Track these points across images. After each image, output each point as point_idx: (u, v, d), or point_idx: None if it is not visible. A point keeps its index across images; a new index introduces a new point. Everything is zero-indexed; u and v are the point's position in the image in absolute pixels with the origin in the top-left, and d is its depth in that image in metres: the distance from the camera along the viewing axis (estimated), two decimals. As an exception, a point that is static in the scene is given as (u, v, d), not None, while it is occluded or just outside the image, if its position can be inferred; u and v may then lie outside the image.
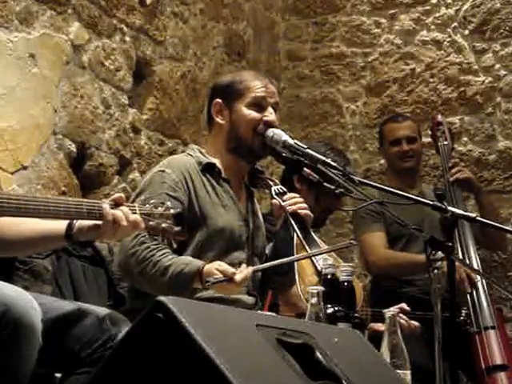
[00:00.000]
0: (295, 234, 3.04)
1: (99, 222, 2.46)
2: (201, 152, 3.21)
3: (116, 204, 2.49)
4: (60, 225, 2.50)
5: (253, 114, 3.14)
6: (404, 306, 3.47)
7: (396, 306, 3.47)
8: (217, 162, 3.17)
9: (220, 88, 3.25)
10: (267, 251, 3.27)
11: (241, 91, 3.17)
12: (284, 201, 3.09)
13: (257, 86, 3.17)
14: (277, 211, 3.14)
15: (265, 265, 3.00)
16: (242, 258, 3.11)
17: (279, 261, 2.92)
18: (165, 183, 3.03)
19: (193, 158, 3.18)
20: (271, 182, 3.19)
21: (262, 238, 3.28)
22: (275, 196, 3.11)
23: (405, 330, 3.47)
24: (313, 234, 3.07)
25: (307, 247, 2.98)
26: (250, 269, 2.85)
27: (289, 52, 5.84)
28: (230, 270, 2.80)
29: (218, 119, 3.20)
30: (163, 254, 2.91)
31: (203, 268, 2.84)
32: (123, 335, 1.99)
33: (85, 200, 2.53)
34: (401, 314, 3.49)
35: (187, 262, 2.91)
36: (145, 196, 2.95)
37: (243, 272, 2.81)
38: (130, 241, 2.92)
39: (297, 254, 3.06)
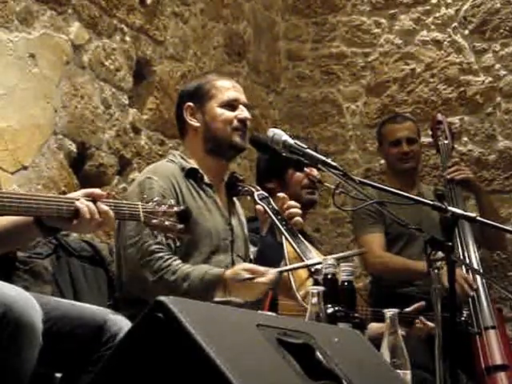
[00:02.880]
0: (284, 238, 3.06)
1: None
2: (182, 157, 3.23)
3: (93, 200, 2.45)
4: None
5: (226, 113, 3.19)
6: (422, 304, 3.52)
7: (413, 307, 3.51)
8: (197, 166, 3.19)
9: (188, 93, 3.29)
10: (252, 255, 3.29)
11: (210, 92, 3.21)
12: (270, 205, 3.11)
13: (225, 86, 3.24)
14: (262, 216, 3.16)
15: (287, 267, 3.01)
16: (227, 261, 3.13)
17: (298, 264, 2.96)
18: (153, 189, 3.04)
19: (176, 164, 3.20)
20: (253, 189, 3.21)
21: (244, 241, 3.30)
22: (259, 201, 3.12)
23: (424, 331, 3.52)
24: (300, 236, 3.09)
25: (298, 250, 3.00)
26: (275, 270, 2.89)
27: (289, 52, 5.84)
28: (260, 268, 2.86)
29: (192, 122, 3.23)
30: (179, 263, 2.95)
31: (225, 273, 2.90)
32: (123, 335, 1.99)
33: (56, 196, 2.48)
34: (421, 317, 3.53)
35: (209, 267, 2.97)
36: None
37: (272, 271, 2.86)
38: (136, 251, 2.93)
39: (288, 257, 3.09)
